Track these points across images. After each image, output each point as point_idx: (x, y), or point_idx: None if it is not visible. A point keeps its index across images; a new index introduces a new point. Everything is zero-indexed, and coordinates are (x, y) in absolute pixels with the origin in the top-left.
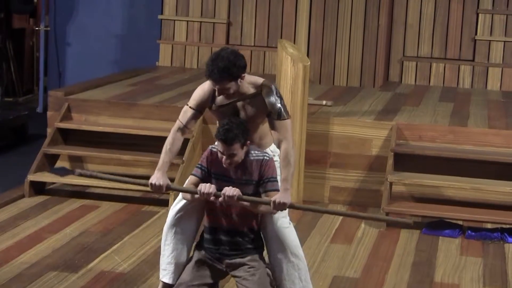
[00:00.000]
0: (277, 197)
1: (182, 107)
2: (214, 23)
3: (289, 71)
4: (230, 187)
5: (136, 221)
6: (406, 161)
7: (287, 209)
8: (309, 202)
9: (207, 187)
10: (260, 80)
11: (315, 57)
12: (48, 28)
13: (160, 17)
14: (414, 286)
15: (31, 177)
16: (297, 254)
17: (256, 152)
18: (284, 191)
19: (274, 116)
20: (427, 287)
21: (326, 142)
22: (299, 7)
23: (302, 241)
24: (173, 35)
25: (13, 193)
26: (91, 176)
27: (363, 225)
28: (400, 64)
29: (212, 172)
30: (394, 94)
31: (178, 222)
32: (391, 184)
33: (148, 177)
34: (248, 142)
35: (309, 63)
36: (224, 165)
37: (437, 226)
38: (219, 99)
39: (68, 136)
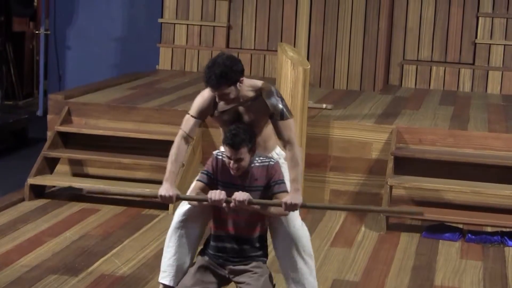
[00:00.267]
0: (288, 198)
1: (182, 111)
2: (214, 26)
3: (289, 74)
4: (240, 191)
5: (136, 225)
6: (406, 165)
7: (298, 210)
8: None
9: (217, 194)
10: (259, 82)
11: (315, 60)
12: (48, 32)
13: (160, 20)
14: None
15: (31, 180)
16: (310, 253)
17: (262, 158)
18: (295, 191)
19: (277, 116)
20: None
21: (326, 146)
22: (299, 11)
23: None
24: (173, 39)
25: (13, 197)
26: (100, 192)
27: (363, 228)
28: (400, 67)
29: (219, 179)
30: (394, 98)
31: (183, 225)
32: (391, 187)
33: (148, 181)
34: (254, 147)
35: (309, 66)
36: (231, 171)
37: (437, 230)
38: (220, 105)
39: (68, 140)
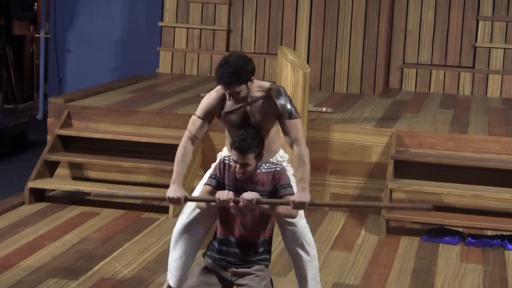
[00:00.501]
0: (295, 196)
1: (182, 114)
2: (214, 30)
3: (289, 78)
4: (249, 191)
5: (136, 228)
6: (406, 168)
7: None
8: (309, 209)
9: (225, 194)
10: (267, 83)
11: (315, 64)
12: (48, 35)
13: (160, 24)
14: None
15: (31, 184)
16: (314, 254)
17: (268, 164)
18: (302, 190)
19: (286, 116)
20: None
21: (326, 149)
22: (299, 14)
23: None
24: (173, 42)
25: (13, 200)
26: (108, 196)
27: (363, 232)
28: (400, 71)
29: (226, 184)
30: (394, 101)
31: (188, 227)
32: (391, 191)
33: (148, 184)
34: (262, 152)
35: (309, 70)
36: (237, 175)
37: (437, 233)
38: (228, 105)
39: (68, 143)
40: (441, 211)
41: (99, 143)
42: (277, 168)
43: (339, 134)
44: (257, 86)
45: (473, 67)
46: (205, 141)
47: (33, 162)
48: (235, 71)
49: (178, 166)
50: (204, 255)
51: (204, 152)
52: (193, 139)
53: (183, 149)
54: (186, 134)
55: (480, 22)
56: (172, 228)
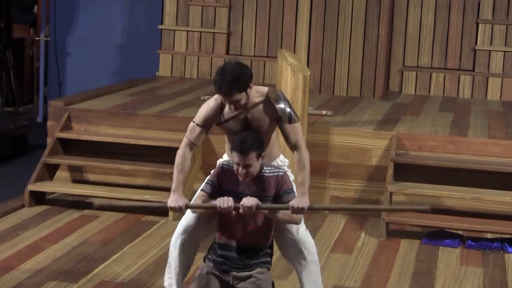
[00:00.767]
0: (295, 201)
1: (182, 117)
2: (214, 33)
3: (289, 81)
4: (248, 197)
5: (136, 231)
6: (406, 171)
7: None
8: (309, 212)
9: (225, 202)
10: (264, 88)
11: (315, 67)
12: (48, 38)
13: (160, 27)
14: None
15: (31, 187)
16: (314, 260)
17: (269, 168)
18: (302, 195)
19: (285, 120)
20: None
21: (326, 152)
22: (299, 17)
23: None
24: (173, 45)
25: (13, 203)
26: (111, 206)
27: (363, 235)
28: (400, 74)
29: (227, 190)
30: (394, 104)
31: (187, 232)
32: (391, 194)
33: (148, 187)
34: (263, 153)
35: (309, 73)
36: (240, 178)
37: (437, 236)
38: (227, 112)
39: (68, 146)
40: (441, 214)
41: (99, 146)
42: (279, 173)
43: (339, 137)
44: (255, 92)
45: (473, 70)
46: (205, 144)
47: (33, 165)
48: (234, 79)
49: (178, 175)
50: (204, 259)
51: (204, 155)
52: (191, 146)
53: (182, 158)
54: (185, 141)
55: (480, 25)
56: (172, 231)
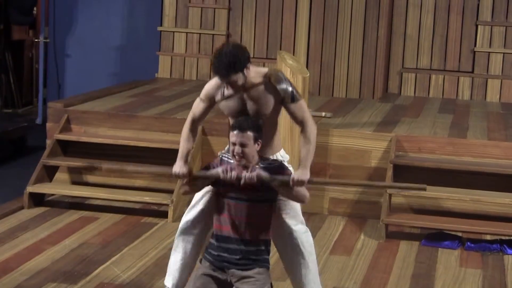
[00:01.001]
0: (296, 174)
1: (181, 119)
2: (213, 34)
3: None
4: (251, 167)
5: (135, 233)
6: (406, 173)
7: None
8: (308, 214)
9: (228, 171)
10: (264, 69)
11: (314, 68)
12: (48, 40)
13: (159, 28)
14: None
15: (30, 188)
16: (313, 259)
17: (268, 161)
18: (303, 168)
19: (288, 100)
20: None
21: (326, 154)
22: (298, 19)
23: None
24: (173, 47)
25: (13, 205)
26: (118, 170)
27: (362, 236)
28: (399, 75)
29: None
30: (393, 106)
31: (189, 230)
32: (390, 195)
33: (148, 189)
34: (260, 140)
35: (308, 74)
36: (235, 159)
37: (437, 238)
38: (227, 91)
39: (67, 148)
40: (440, 216)
41: (98, 148)
42: (276, 164)
43: (338, 138)
44: (254, 72)
45: (472, 71)
46: (204, 146)
47: (32, 167)
48: (231, 62)
49: (183, 143)
50: (201, 260)
51: (204, 157)
52: (195, 120)
53: (188, 128)
54: (190, 115)
55: (479, 26)
56: (172, 233)
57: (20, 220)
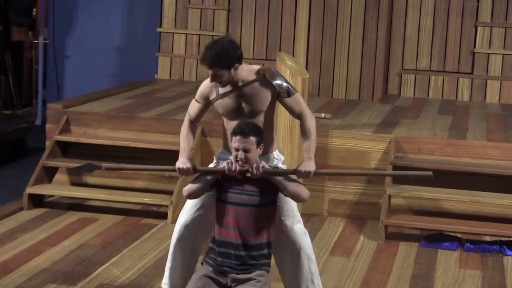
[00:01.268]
0: (302, 165)
1: (181, 120)
2: (213, 36)
3: None
4: (255, 164)
5: (135, 234)
6: None
7: (301, 219)
8: (308, 215)
9: (232, 165)
10: (257, 66)
11: (314, 70)
12: (47, 41)
13: (159, 30)
14: None
15: (30, 190)
16: (312, 259)
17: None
18: (308, 160)
19: (284, 95)
20: None
21: (325, 155)
22: (298, 20)
23: None
24: (172, 48)
25: (12, 206)
26: (118, 169)
27: (362, 237)
28: (398, 77)
29: (226, 185)
30: (393, 107)
31: (186, 232)
32: (389, 197)
33: (147, 190)
34: (262, 144)
35: (308, 76)
36: (238, 163)
37: (436, 239)
38: (221, 89)
39: (67, 149)
40: (440, 217)
41: (98, 149)
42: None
43: (337, 140)
44: (248, 70)
45: (472, 73)
46: (203, 147)
47: (32, 168)
48: (218, 55)
49: (183, 141)
50: (202, 262)
51: (203, 158)
52: (192, 121)
53: (186, 128)
54: (186, 116)
55: (478, 28)
56: (171, 234)
57: (19, 221)
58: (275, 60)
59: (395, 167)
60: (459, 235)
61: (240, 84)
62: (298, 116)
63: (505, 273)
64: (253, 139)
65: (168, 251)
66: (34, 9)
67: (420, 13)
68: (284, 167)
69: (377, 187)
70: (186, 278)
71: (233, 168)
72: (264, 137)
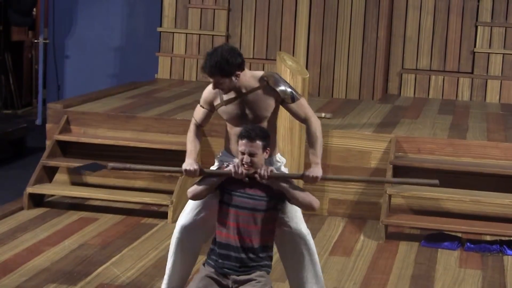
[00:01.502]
0: (308, 171)
1: (181, 120)
2: (213, 35)
3: None
4: (263, 168)
5: (135, 234)
6: (405, 174)
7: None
8: (308, 214)
9: (239, 168)
10: (259, 72)
11: (314, 69)
12: (47, 41)
13: (159, 29)
14: None
15: (30, 189)
16: (315, 260)
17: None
18: (315, 165)
19: (289, 100)
20: None
21: (325, 155)
22: (298, 20)
23: None
24: (172, 48)
25: (12, 206)
26: (124, 169)
27: (362, 237)
28: (399, 76)
29: (229, 188)
30: (393, 107)
31: (186, 234)
32: (390, 196)
33: (148, 190)
34: (268, 149)
35: (308, 75)
36: (244, 167)
37: (436, 239)
38: (225, 95)
39: (67, 149)
40: (440, 217)
41: (98, 149)
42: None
43: (338, 139)
44: (250, 77)
45: (472, 72)
46: (203, 147)
47: (32, 168)
48: (218, 63)
49: (190, 144)
50: (204, 263)
51: (203, 157)
52: (198, 126)
53: (193, 131)
54: (192, 121)
55: (479, 27)
56: (171, 234)
57: (19, 221)
58: (275, 60)
59: (395, 167)
60: (459, 235)
61: (243, 91)
62: (303, 120)
63: (505, 272)
64: (259, 143)
65: (168, 251)
66: (34, 9)
67: (421, 12)
68: (286, 170)
69: (377, 187)
70: (185, 279)
71: (240, 171)
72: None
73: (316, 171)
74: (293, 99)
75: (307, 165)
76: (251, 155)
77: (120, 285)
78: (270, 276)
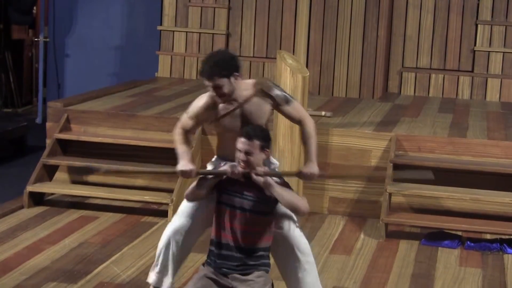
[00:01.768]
0: (305, 168)
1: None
2: (213, 34)
3: (288, 82)
4: (260, 167)
5: (135, 232)
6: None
7: (297, 218)
8: (308, 213)
9: (235, 167)
10: (250, 80)
11: (314, 68)
12: (48, 39)
13: (159, 28)
14: None
15: (30, 188)
16: (310, 261)
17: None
18: (311, 162)
19: (283, 104)
20: None
21: (325, 153)
22: (298, 19)
23: None
24: (172, 46)
25: (12, 204)
26: (117, 172)
27: (362, 236)
28: (399, 75)
29: (226, 189)
30: (393, 105)
31: (177, 233)
32: (390, 195)
33: (148, 188)
34: (268, 150)
35: (308, 74)
36: (241, 165)
37: (436, 237)
38: (221, 109)
39: (67, 147)
40: (440, 215)
41: (98, 147)
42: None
43: (338, 138)
44: (244, 85)
45: (472, 71)
46: (204, 145)
47: (32, 166)
48: (217, 62)
49: (181, 146)
50: (204, 264)
51: (203, 155)
52: (184, 132)
53: (180, 135)
54: (178, 126)
55: (479, 26)
56: None
57: (20, 220)
58: (275, 58)
59: (396, 166)
60: (460, 233)
61: (240, 100)
62: (298, 122)
63: (506, 271)
64: (257, 143)
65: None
66: (35, 8)
67: (421, 11)
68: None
69: (378, 185)
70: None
71: (236, 171)
72: None
73: (313, 168)
74: (287, 102)
75: None
76: (248, 153)
77: (120, 283)
78: (270, 275)
